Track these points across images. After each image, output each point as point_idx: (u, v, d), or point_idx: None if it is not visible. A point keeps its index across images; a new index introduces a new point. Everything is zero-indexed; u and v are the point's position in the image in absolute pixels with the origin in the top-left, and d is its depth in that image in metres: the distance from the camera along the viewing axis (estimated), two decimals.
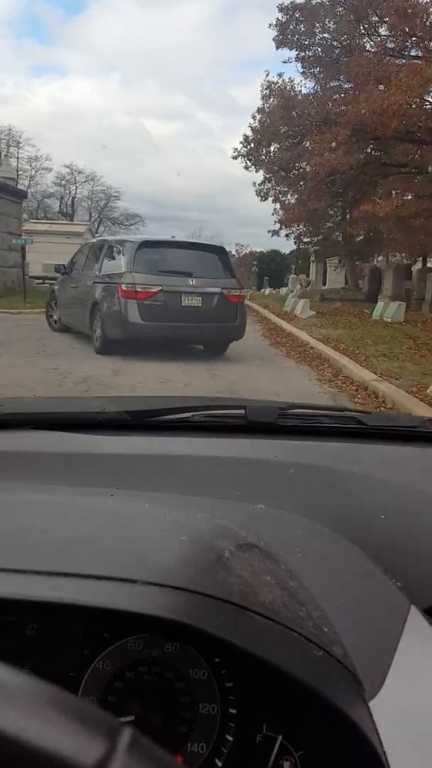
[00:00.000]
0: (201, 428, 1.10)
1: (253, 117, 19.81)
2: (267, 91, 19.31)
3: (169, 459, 0.96)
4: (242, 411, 1.11)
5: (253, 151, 20.16)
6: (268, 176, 20.39)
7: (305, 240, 28.95)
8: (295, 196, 18.30)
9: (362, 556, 0.68)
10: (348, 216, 20.13)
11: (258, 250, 59.84)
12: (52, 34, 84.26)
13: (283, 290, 32.31)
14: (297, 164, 18.79)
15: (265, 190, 20.85)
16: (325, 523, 0.73)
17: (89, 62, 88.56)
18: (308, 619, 0.52)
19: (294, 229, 23.61)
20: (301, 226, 22.39)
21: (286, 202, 18.80)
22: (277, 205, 22.21)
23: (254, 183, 20.83)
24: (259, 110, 19.84)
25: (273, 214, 24.58)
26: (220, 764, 0.53)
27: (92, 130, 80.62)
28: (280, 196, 19.99)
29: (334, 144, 15.58)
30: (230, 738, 0.54)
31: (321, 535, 0.71)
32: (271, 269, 49.93)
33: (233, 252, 71.59)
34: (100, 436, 1.04)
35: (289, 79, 19.61)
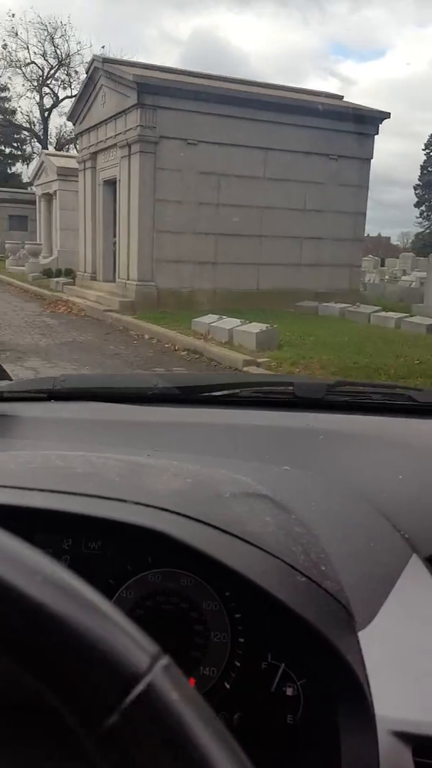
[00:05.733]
0: (249, 403, 1.14)
1: None
2: None
3: (211, 427, 1.01)
4: (290, 387, 1.14)
5: None
6: None
7: None
8: None
9: (372, 510, 0.72)
10: None
11: None
12: None
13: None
14: None
15: None
16: (346, 484, 0.78)
17: None
18: (301, 554, 0.58)
19: None
20: None
21: None
22: None
23: None
24: None
25: None
26: (228, 686, 0.59)
27: None
28: None
29: None
30: (238, 664, 0.59)
31: (337, 492, 0.76)
32: None
33: None
34: (151, 407, 1.10)
35: None
